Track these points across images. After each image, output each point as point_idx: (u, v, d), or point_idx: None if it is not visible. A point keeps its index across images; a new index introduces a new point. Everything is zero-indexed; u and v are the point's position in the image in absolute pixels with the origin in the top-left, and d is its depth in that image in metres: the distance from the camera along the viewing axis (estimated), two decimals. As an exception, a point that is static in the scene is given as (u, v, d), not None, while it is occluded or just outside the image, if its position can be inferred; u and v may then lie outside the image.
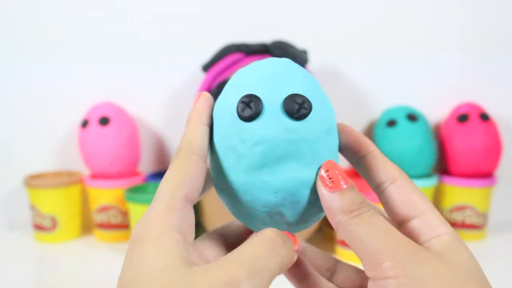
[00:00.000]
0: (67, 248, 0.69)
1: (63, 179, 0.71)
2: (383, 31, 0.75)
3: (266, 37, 0.68)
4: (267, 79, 0.24)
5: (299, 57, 0.64)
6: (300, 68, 0.25)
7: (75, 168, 0.76)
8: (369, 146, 0.25)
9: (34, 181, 0.70)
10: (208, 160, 0.25)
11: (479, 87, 0.76)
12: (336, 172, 0.23)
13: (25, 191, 0.72)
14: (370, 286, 0.21)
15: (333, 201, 0.22)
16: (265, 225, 0.25)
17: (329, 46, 0.75)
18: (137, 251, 0.19)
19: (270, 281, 0.20)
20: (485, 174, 0.70)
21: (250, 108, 0.23)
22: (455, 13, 0.75)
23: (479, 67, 0.76)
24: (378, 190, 0.24)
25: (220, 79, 0.65)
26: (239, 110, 0.23)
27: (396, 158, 0.70)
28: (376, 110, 0.76)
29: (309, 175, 0.23)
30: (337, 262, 0.28)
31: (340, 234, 0.22)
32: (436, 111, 0.76)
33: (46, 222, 0.70)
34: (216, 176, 0.25)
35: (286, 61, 0.25)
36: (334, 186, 0.22)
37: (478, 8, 0.75)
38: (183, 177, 0.22)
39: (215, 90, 0.64)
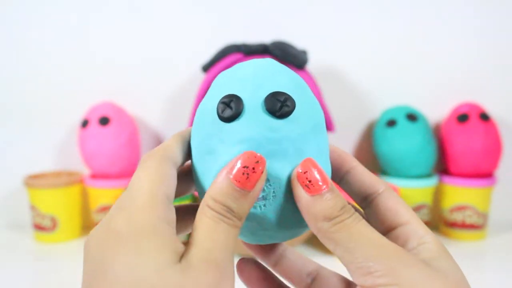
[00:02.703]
0: (67, 248, 0.69)
1: (63, 179, 0.71)
2: (383, 31, 0.75)
3: (266, 37, 0.68)
4: (248, 79, 0.23)
5: (299, 57, 0.64)
6: (284, 67, 0.24)
7: (75, 168, 0.76)
8: (352, 161, 0.25)
9: (34, 181, 0.70)
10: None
11: (479, 87, 0.76)
12: (315, 172, 0.21)
13: (25, 191, 0.72)
14: None
15: (313, 206, 0.21)
16: (252, 233, 0.24)
17: (329, 46, 0.75)
18: (128, 249, 0.18)
19: (233, 254, 0.20)
20: (485, 174, 0.70)
21: (230, 108, 0.22)
22: (455, 13, 0.75)
23: (479, 67, 0.76)
24: (365, 203, 0.24)
25: (220, 79, 0.64)
26: (219, 110, 0.22)
27: (396, 158, 0.70)
28: (376, 110, 0.76)
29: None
30: (319, 267, 0.27)
31: (321, 240, 0.21)
32: (436, 111, 0.76)
33: (46, 222, 0.70)
34: (197, 185, 0.24)
35: (269, 61, 0.24)
36: (313, 188, 0.21)
37: (478, 8, 0.75)
38: (162, 176, 0.21)
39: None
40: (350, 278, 0.26)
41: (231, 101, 0.22)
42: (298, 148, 0.22)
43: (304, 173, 0.21)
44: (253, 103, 0.22)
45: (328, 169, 0.24)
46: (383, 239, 0.20)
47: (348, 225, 0.20)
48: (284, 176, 0.22)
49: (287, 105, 0.22)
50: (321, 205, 0.21)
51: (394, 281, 0.19)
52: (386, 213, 0.23)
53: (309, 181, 0.21)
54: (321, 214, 0.21)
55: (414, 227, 0.22)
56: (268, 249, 0.26)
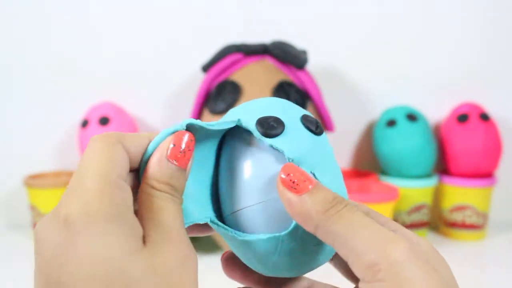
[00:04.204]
0: (67, 248, 0.69)
1: (63, 179, 0.71)
2: (383, 31, 0.75)
3: (266, 37, 0.68)
4: (271, 104, 0.24)
5: (299, 57, 0.64)
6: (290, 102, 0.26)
7: (75, 168, 0.76)
8: None
9: (34, 181, 0.70)
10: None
11: (479, 87, 0.76)
12: (298, 173, 0.21)
13: (25, 191, 0.72)
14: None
15: (304, 205, 0.20)
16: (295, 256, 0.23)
17: (329, 46, 0.75)
18: (90, 238, 0.17)
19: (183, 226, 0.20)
20: (485, 174, 0.70)
21: (272, 126, 0.23)
22: (455, 13, 0.75)
23: (479, 67, 0.76)
24: None
25: (220, 79, 0.65)
26: (261, 128, 0.23)
27: (396, 158, 0.70)
28: (376, 110, 0.76)
29: (336, 185, 0.23)
30: (311, 283, 0.26)
31: (321, 237, 0.21)
32: (436, 111, 0.76)
33: (46, 222, 0.70)
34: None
35: (273, 98, 0.26)
36: (299, 188, 0.21)
37: (478, 9, 0.75)
38: (113, 156, 0.20)
39: (215, 90, 0.64)
40: None
41: (270, 120, 0.23)
42: (331, 161, 0.24)
43: (287, 175, 0.21)
44: (291, 121, 0.24)
45: (344, 189, 0.24)
46: (382, 229, 0.20)
47: (342, 215, 0.20)
48: (327, 186, 0.22)
49: (320, 125, 0.24)
50: (312, 201, 0.20)
51: (393, 277, 0.18)
52: None
53: (293, 182, 0.21)
54: (314, 209, 0.20)
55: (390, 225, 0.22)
56: (252, 271, 0.25)
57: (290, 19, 0.75)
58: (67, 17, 0.74)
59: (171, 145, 0.21)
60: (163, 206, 0.20)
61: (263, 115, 0.23)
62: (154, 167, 0.21)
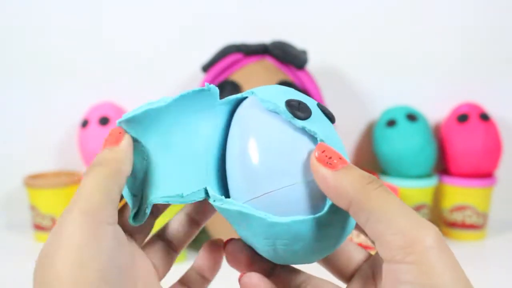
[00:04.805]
0: (67, 248, 0.68)
1: (63, 179, 0.71)
2: (382, 31, 0.75)
3: (266, 37, 0.68)
4: (290, 90, 0.25)
5: (299, 57, 0.64)
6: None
7: (75, 168, 0.76)
8: None
9: (34, 181, 0.70)
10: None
11: (479, 87, 0.76)
12: (332, 151, 0.22)
13: (25, 191, 0.72)
14: (386, 270, 0.19)
15: (340, 180, 0.20)
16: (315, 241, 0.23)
17: (329, 46, 0.75)
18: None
19: (111, 196, 0.23)
20: (485, 174, 0.70)
21: (302, 108, 0.23)
22: (455, 13, 0.75)
23: (479, 67, 0.76)
24: None
25: (220, 79, 0.65)
26: (291, 109, 0.23)
27: (396, 158, 0.70)
28: (376, 110, 0.76)
29: None
30: (308, 278, 0.26)
31: (353, 213, 0.20)
32: (436, 111, 0.76)
33: (46, 222, 0.70)
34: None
35: (286, 87, 0.26)
36: (335, 164, 0.21)
37: (478, 8, 0.75)
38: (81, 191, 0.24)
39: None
40: (341, 285, 0.26)
41: (298, 103, 0.23)
42: (343, 152, 0.24)
43: (323, 152, 0.21)
44: (312, 106, 0.24)
45: None
46: (416, 213, 0.20)
47: (381, 194, 0.20)
48: None
49: (332, 113, 0.25)
50: (349, 177, 0.20)
51: (423, 261, 0.18)
52: None
53: (330, 158, 0.21)
54: (352, 184, 0.20)
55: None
56: (257, 259, 0.25)
57: (290, 19, 0.75)
58: (67, 17, 0.74)
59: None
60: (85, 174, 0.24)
61: (289, 98, 0.23)
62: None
